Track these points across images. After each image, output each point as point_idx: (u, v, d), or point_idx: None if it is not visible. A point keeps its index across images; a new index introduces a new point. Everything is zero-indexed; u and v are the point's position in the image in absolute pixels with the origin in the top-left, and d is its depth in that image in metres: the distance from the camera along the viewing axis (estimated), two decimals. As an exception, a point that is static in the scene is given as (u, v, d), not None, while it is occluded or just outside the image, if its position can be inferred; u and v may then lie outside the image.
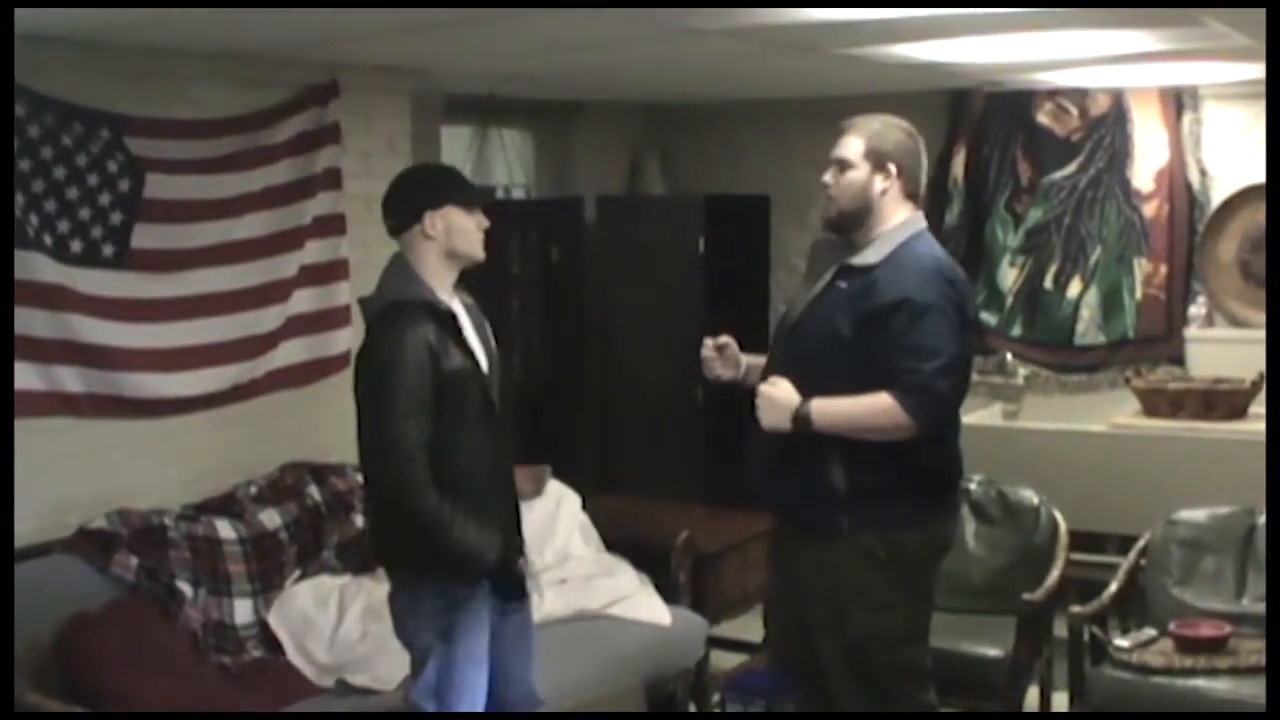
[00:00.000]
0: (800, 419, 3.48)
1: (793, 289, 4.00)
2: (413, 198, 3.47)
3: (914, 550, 3.60)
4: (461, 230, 3.44)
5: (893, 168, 3.58)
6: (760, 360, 3.80)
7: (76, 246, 4.28)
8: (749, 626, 5.31)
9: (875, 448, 3.49)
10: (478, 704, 3.45)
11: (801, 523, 3.66)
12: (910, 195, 3.64)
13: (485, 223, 3.50)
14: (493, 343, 3.58)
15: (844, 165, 3.60)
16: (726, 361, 3.85)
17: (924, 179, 3.70)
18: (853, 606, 3.57)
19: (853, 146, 3.60)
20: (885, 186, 3.58)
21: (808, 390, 3.52)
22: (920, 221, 3.65)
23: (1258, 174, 6.18)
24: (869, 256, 3.55)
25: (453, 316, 3.41)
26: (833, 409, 3.47)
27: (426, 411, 3.30)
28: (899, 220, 3.59)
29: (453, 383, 3.35)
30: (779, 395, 3.51)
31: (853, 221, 3.61)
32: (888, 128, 3.63)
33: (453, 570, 3.38)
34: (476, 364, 3.44)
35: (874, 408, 3.44)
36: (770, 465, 3.66)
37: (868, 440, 3.48)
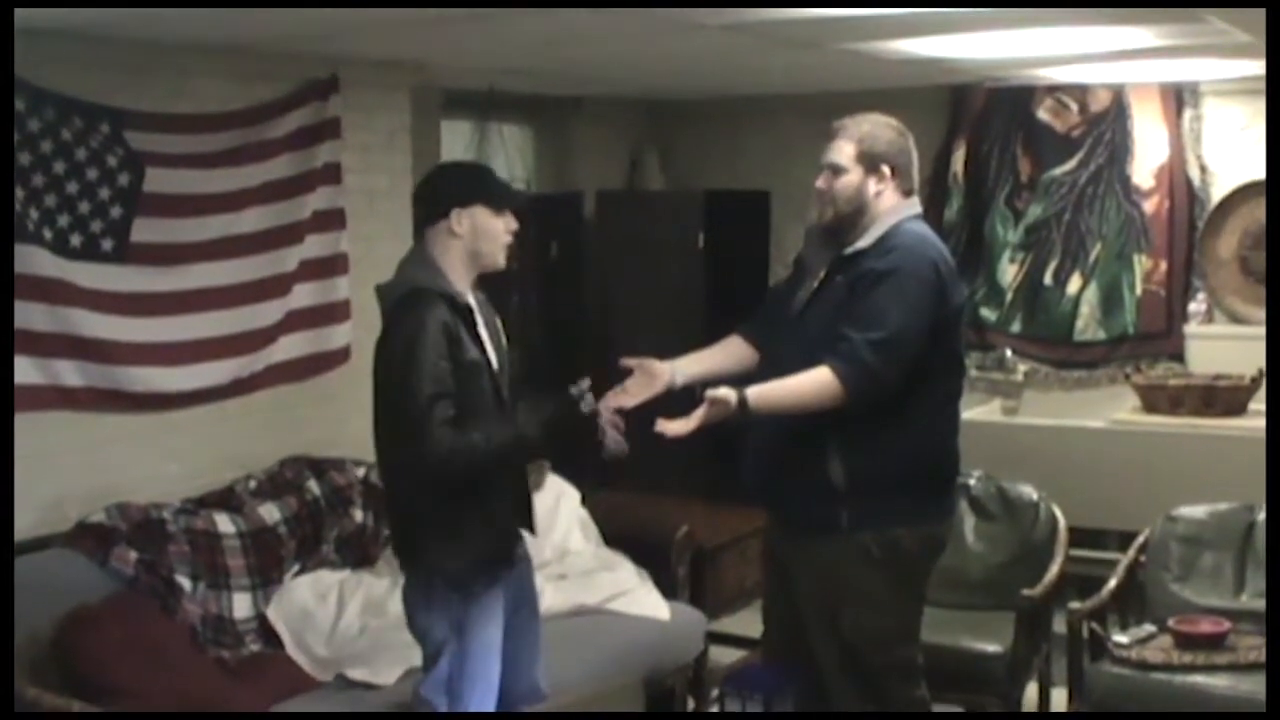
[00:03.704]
0: (747, 408, 3.38)
1: (783, 278, 3.99)
2: (443, 192, 3.47)
3: (910, 548, 3.60)
4: (487, 232, 3.44)
5: (886, 169, 3.57)
6: (694, 357, 3.80)
7: (76, 240, 4.28)
8: (748, 622, 5.31)
9: (873, 445, 3.49)
10: (490, 696, 3.46)
11: (798, 519, 3.66)
12: (905, 193, 3.63)
13: (514, 225, 3.49)
14: (503, 339, 3.59)
15: (837, 170, 3.60)
16: (642, 384, 3.64)
17: (916, 175, 3.69)
18: (847, 603, 3.57)
19: (844, 150, 3.59)
20: (880, 189, 3.58)
21: None
22: (914, 206, 3.65)
23: (1258, 170, 6.18)
24: (859, 244, 3.56)
25: (469, 309, 3.42)
26: (768, 395, 3.42)
27: (450, 394, 3.29)
28: (890, 207, 3.59)
29: (467, 374, 3.35)
30: (718, 406, 3.38)
31: (848, 224, 3.60)
32: (878, 128, 3.61)
33: (480, 548, 3.42)
34: (489, 358, 3.45)
35: (807, 382, 3.41)
36: (767, 462, 3.66)
37: (865, 435, 3.47)
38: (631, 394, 3.60)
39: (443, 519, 3.38)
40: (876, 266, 3.48)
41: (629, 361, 3.68)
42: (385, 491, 3.66)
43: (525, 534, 3.66)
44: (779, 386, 3.44)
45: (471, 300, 3.48)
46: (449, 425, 3.27)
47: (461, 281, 3.45)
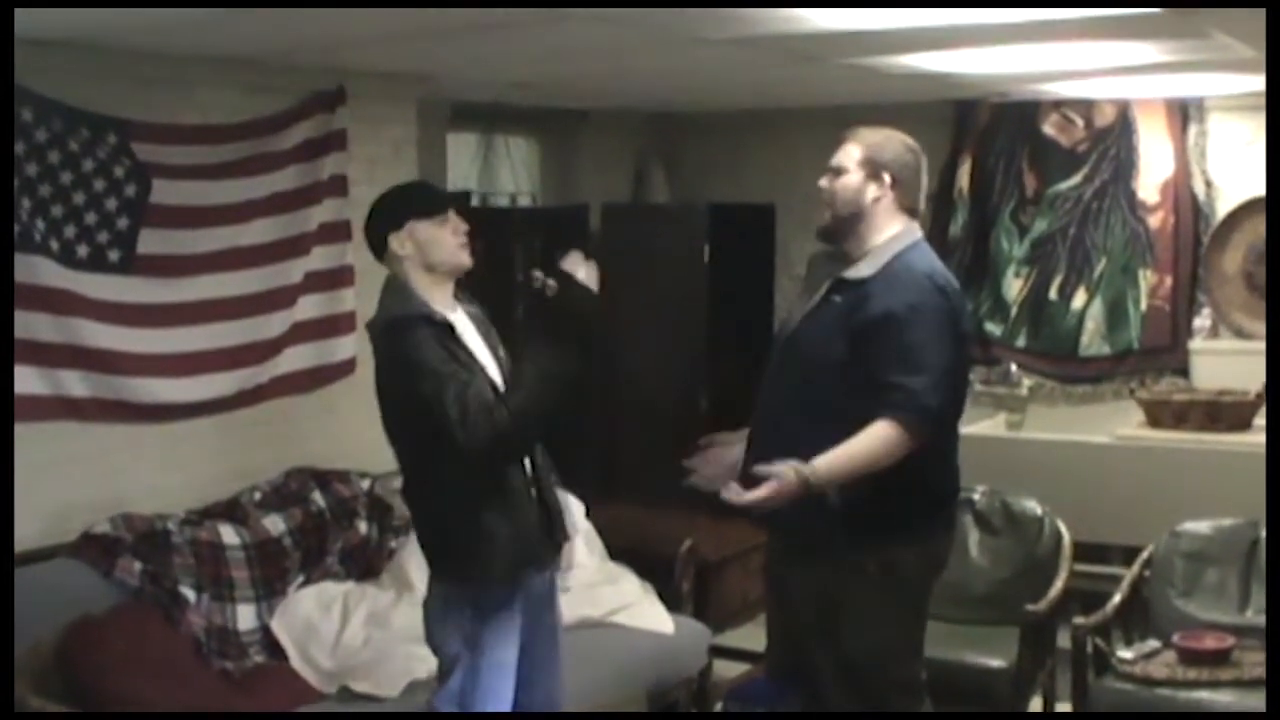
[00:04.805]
0: (810, 484, 3.39)
1: (792, 297, 4.00)
2: (375, 224, 3.50)
3: (909, 567, 3.58)
4: (433, 241, 3.43)
5: (887, 177, 3.57)
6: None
7: (82, 251, 4.29)
8: (752, 635, 5.30)
9: None
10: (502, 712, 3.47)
11: (797, 539, 3.64)
12: (907, 210, 3.61)
13: (462, 226, 3.48)
14: (502, 350, 3.58)
15: (839, 171, 3.61)
16: (713, 466, 3.80)
17: (923, 195, 3.68)
18: (848, 623, 3.56)
19: (850, 153, 3.61)
20: (878, 195, 3.57)
21: (803, 403, 3.53)
22: (915, 232, 3.63)
23: (1263, 186, 6.17)
24: (863, 270, 3.54)
25: (449, 327, 3.40)
26: (834, 462, 3.40)
27: (471, 382, 3.26)
28: (893, 232, 3.57)
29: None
30: (783, 484, 3.41)
31: (845, 229, 3.60)
32: (889, 139, 3.62)
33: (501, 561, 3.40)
34: (484, 369, 3.44)
35: (873, 441, 3.39)
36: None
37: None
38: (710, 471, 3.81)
39: (465, 536, 3.37)
40: (893, 307, 3.44)
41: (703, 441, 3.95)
42: (411, 512, 3.63)
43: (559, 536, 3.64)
44: (844, 454, 3.40)
45: (457, 315, 3.47)
46: (487, 407, 3.22)
47: (438, 299, 3.43)
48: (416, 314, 3.36)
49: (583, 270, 3.43)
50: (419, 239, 3.42)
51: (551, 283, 3.36)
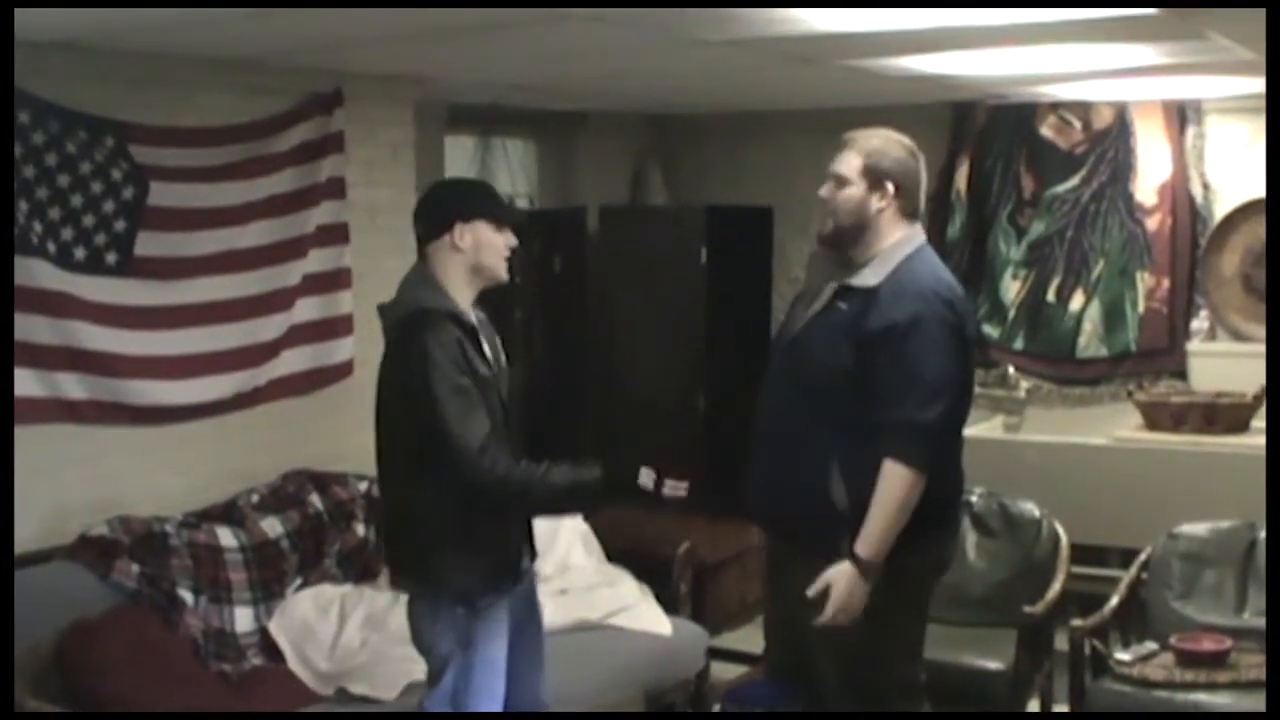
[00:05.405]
0: (866, 570, 3.43)
1: (790, 299, 3.98)
2: (445, 207, 3.48)
3: (913, 570, 3.57)
4: (489, 246, 3.46)
5: (890, 186, 3.53)
6: None
7: (80, 254, 4.28)
8: (749, 637, 5.30)
9: (876, 467, 3.46)
10: (494, 710, 3.47)
11: (801, 541, 3.63)
12: (909, 214, 3.59)
13: (513, 242, 3.51)
14: (503, 357, 3.59)
15: (840, 181, 3.56)
16: None
17: (923, 197, 3.65)
18: (850, 625, 3.56)
19: (850, 162, 3.55)
20: (882, 206, 3.53)
21: (807, 407, 3.53)
22: (919, 236, 3.60)
23: (1260, 188, 6.18)
24: (868, 278, 3.51)
25: (474, 328, 3.42)
26: (874, 533, 3.42)
27: (479, 404, 3.30)
28: (897, 238, 3.55)
29: (481, 392, 3.36)
30: (841, 589, 3.45)
31: (849, 238, 3.57)
32: (888, 144, 3.57)
33: (485, 572, 3.43)
34: (496, 375, 3.45)
35: (891, 491, 3.40)
36: (770, 484, 3.65)
37: (867, 457, 3.44)
38: None
39: (457, 536, 3.38)
40: (897, 320, 3.42)
41: None
42: (393, 509, 3.61)
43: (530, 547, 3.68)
44: (875, 519, 3.42)
45: (474, 319, 3.49)
46: (493, 440, 3.28)
47: (464, 300, 3.45)
48: (445, 309, 3.36)
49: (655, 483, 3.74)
50: (480, 237, 3.44)
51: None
